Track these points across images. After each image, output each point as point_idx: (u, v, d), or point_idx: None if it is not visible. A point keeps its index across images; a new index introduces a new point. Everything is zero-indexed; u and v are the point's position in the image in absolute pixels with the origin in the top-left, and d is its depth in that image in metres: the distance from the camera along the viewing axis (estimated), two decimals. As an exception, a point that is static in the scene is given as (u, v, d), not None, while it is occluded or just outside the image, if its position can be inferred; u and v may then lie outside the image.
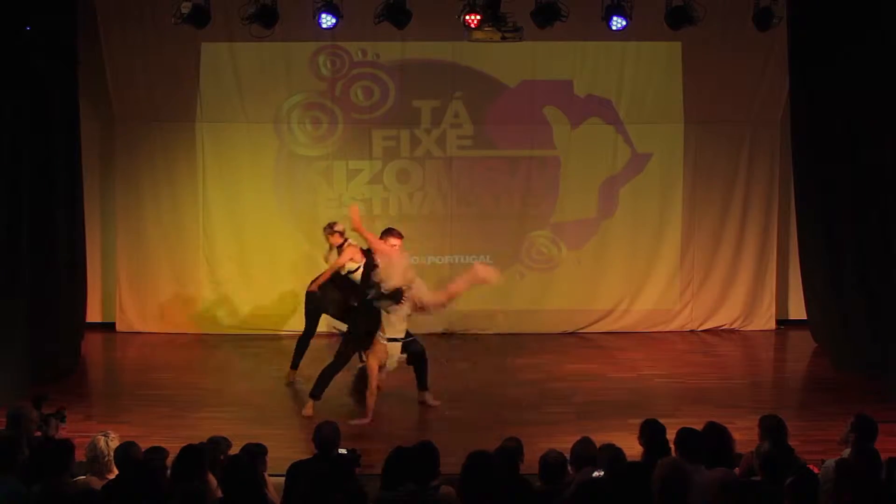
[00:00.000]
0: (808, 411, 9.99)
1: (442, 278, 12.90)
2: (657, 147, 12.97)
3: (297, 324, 11.39)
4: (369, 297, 9.63)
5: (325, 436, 6.84)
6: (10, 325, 10.16)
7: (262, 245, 12.82)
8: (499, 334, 12.93)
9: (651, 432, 6.77)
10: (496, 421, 9.62)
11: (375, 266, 9.63)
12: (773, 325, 13.23)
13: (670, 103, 12.83)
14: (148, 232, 12.82)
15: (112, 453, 6.58)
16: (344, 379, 10.49)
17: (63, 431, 7.26)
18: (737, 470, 6.55)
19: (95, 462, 6.58)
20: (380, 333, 9.60)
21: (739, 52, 12.40)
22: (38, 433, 7.07)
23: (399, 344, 9.66)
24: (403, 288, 9.49)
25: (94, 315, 12.71)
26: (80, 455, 6.71)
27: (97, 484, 6.29)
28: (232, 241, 12.88)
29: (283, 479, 6.67)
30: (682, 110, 12.85)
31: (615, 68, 12.77)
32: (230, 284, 12.92)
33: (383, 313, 9.55)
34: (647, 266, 13.10)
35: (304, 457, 6.97)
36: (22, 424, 6.95)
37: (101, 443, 6.62)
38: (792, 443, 6.85)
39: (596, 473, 6.14)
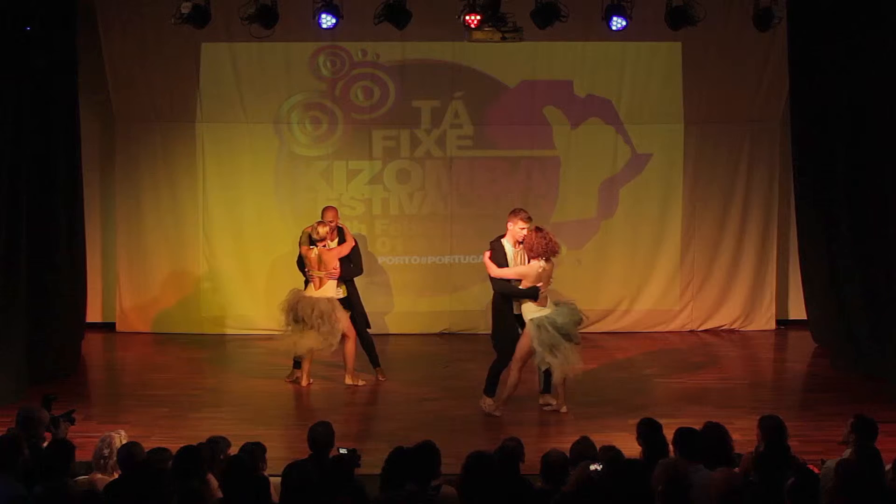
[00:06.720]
0: (808, 411, 9.98)
1: (442, 279, 12.96)
2: (657, 147, 12.96)
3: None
4: None
5: (317, 436, 6.85)
6: (10, 325, 10.15)
7: (262, 245, 12.81)
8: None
9: (647, 431, 6.80)
10: (496, 421, 9.62)
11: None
12: (773, 325, 13.22)
13: (670, 103, 12.82)
14: (148, 232, 12.81)
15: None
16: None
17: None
18: (736, 470, 6.55)
19: (108, 458, 6.57)
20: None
21: (739, 52, 12.41)
22: (48, 434, 7.06)
23: None
24: None
25: (94, 315, 12.70)
26: (81, 455, 6.72)
27: (101, 481, 6.30)
28: (232, 242, 12.88)
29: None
30: (682, 110, 12.84)
31: (615, 68, 12.76)
32: (230, 284, 12.92)
33: None
34: (647, 266, 13.09)
35: (304, 457, 6.96)
36: (32, 426, 6.93)
37: (116, 441, 6.64)
38: (792, 443, 6.84)
39: (594, 467, 6.13)
